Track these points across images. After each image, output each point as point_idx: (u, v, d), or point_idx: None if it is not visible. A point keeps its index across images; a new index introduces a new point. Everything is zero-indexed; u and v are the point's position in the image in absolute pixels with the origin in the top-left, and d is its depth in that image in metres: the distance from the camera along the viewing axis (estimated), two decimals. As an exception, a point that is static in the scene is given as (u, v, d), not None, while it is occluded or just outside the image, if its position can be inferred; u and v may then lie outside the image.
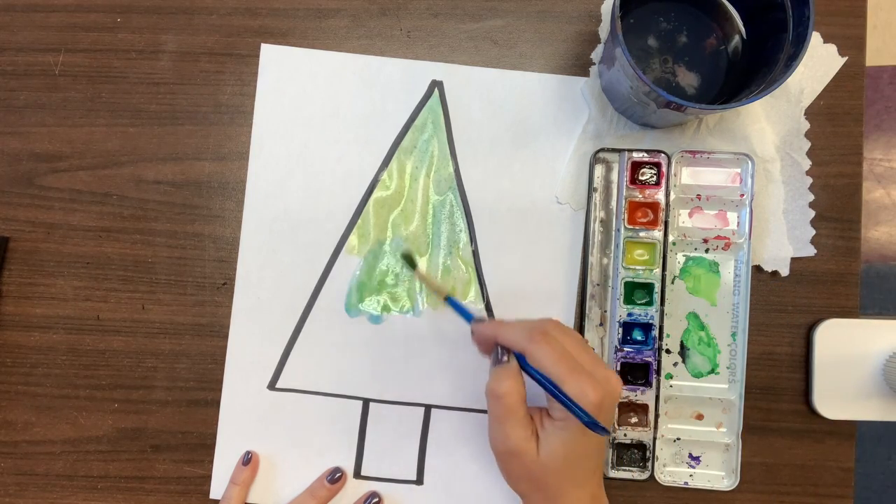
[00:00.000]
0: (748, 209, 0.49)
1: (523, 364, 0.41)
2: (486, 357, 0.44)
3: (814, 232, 0.51)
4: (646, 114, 0.48)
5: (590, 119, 0.51)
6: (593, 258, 0.51)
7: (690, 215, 0.50)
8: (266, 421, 0.52)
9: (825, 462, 0.51)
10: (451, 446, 0.52)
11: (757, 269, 0.51)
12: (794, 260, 0.51)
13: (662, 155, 0.49)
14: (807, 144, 0.51)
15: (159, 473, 0.52)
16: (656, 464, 0.49)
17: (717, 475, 0.50)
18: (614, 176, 0.50)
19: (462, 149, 0.52)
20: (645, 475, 0.49)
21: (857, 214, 0.51)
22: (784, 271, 0.51)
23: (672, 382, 0.50)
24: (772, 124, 0.51)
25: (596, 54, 0.52)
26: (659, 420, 0.49)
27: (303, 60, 0.53)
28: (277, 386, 0.52)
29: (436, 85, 0.52)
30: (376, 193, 0.52)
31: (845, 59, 0.51)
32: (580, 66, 0.52)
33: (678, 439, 0.50)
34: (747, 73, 0.47)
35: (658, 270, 0.49)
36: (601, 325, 0.51)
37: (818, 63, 0.51)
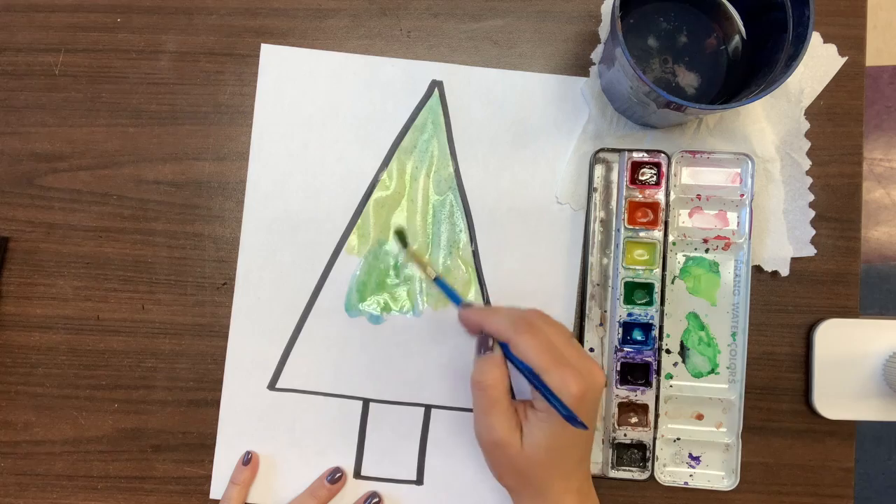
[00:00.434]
0: (748, 209, 0.49)
1: (507, 354, 0.41)
2: (473, 337, 0.44)
3: (814, 232, 0.51)
4: (646, 114, 0.48)
5: (590, 119, 0.51)
6: (593, 258, 0.51)
7: (690, 215, 0.50)
8: (266, 421, 0.52)
9: (825, 462, 0.51)
10: (451, 446, 0.52)
11: (757, 269, 0.51)
12: (794, 260, 0.51)
13: (662, 155, 0.49)
14: (807, 144, 0.51)
15: (159, 473, 0.52)
16: (656, 464, 0.49)
17: (717, 475, 0.50)
18: (614, 176, 0.50)
19: (462, 149, 0.52)
20: (645, 475, 0.49)
21: (857, 214, 0.51)
22: (784, 271, 0.51)
23: (672, 382, 0.50)
24: (772, 124, 0.51)
25: (596, 54, 0.52)
26: (659, 420, 0.49)
27: (303, 60, 0.53)
28: (277, 386, 0.52)
29: (436, 85, 0.52)
30: (376, 193, 0.52)
31: (845, 59, 0.51)
32: (580, 66, 0.52)
33: (678, 439, 0.50)
34: (747, 73, 0.47)
35: (658, 270, 0.49)
36: (601, 325, 0.51)
37: (818, 63, 0.51)
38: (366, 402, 0.52)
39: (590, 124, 0.51)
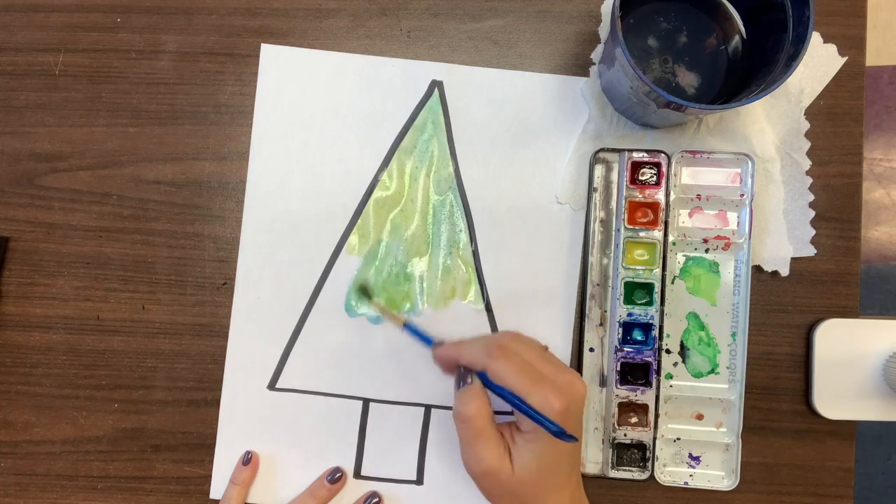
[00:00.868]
0: (748, 209, 0.49)
1: (486, 381, 0.41)
2: (451, 376, 0.44)
3: (814, 232, 0.51)
4: (646, 114, 0.48)
5: (590, 119, 0.51)
6: (593, 258, 0.51)
7: (690, 215, 0.50)
8: (266, 421, 0.52)
9: (825, 462, 0.51)
10: (451, 446, 0.52)
11: (757, 269, 0.51)
12: (794, 260, 0.51)
13: (662, 155, 0.49)
14: (807, 144, 0.51)
15: (159, 473, 0.52)
16: (656, 464, 0.49)
17: (717, 475, 0.50)
18: (614, 176, 0.50)
19: (462, 149, 0.52)
20: (645, 475, 0.49)
21: (857, 214, 0.51)
22: (784, 271, 0.51)
23: (672, 382, 0.50)
24: (772, 124, 0.51)
25: (596, 54, 0.52)
26: (659, 420, 0.49)
27: (303, 60, 0.53)
28: (277, 386, 0.52)
29: (436, 85, 0.52)
30: (376, 193, 0.52)
31: (845, 59, 0.51)
32: (580, 66, 0.52)
33: (678, 439, 0.50)
34: (747, 73, 0.47)
35: (658, 270, 0.49)
36: (601, 325, 0.51)
37: (818, 63, 0.51)
38: (366, 402, 0.52)
39: (590, 124, 0.51)
